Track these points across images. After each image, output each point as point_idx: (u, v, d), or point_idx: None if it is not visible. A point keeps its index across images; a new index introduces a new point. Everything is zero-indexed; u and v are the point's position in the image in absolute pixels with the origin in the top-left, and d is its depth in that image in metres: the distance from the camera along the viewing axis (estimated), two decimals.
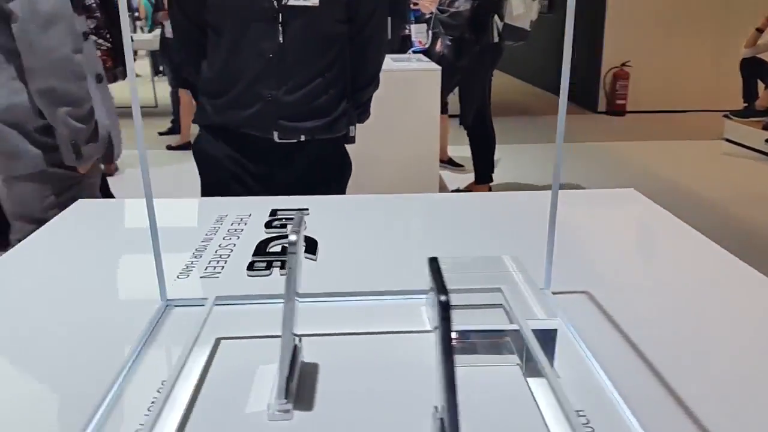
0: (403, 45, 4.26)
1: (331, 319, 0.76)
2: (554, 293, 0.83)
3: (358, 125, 1.71)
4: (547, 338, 0.65)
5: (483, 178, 3.97)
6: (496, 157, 4.89)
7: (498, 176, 4.43)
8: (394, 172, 3.65)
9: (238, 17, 1.42)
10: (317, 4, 1.42)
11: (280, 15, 1.41)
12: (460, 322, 0.67)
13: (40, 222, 1.23)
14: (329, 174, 1.60)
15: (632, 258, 0.98)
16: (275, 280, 0.90)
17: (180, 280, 0.90)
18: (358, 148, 3.59)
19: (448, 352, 0.44)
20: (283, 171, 1.54)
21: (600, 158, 5.15)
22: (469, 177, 4.43)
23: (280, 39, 1.42)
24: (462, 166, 4.71)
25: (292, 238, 0.54)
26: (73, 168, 1.67)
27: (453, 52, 3.56)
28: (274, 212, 1.14)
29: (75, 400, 0.62)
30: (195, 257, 0.97)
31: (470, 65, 3.48)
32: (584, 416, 0.60)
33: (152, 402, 0.62)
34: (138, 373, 0.66)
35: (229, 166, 1.54)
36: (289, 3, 1.40)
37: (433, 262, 0.49)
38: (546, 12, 7.66)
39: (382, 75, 3.45)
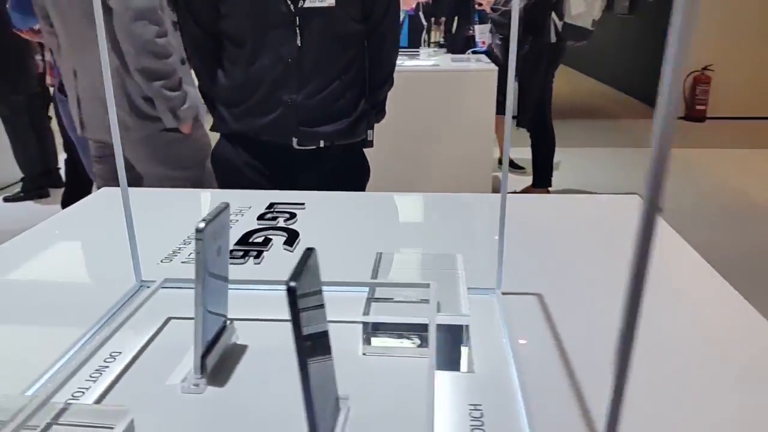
0: (467, 45, 4.26)
1: (272, 305, 0.81)
2: (504, 294, 0.85)
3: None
4: (458, 333, 0.68)
5: (541, 181, 3.92)
6: (560, 159, 4.80)
7: (560, 180, 4.36)
8: (448, 173, 3.67)
9: (256, 24, 1.45)
10: (333, 5, 1.44)
11: (297, 18, 1.44)
12: (382, 313, 0.71)
13: (171, 178, 1.97)
14: (348, 180, 1.61)
15: (603, 265, 0.97)
16: (248, 267, 0.95)
17: (163, 264, 0.97)
18: (412, 147, 3.64)
19: (297, 338, 0.48)
20: (302, 179, 1.56)
21: (674, 166, 4.95)
22: (530, 180, 4.39)
23: (299, 42, 1.45)
24: (523, 168, 4.66)
25: (200, 225, 0.59)
26: (176, 129, 1.98)
27: (502, 52, 3.53)
28: (271, 205, 1.20)
29: (34, 359, 0.69)
30: (185, 244, 1.04)
31: (523, 65, 3.44)
32: (480, 410, 0.62)
33: (96, 369, 0.69)
34: (94, 343, 0.73)
35: (247, 174, 1.58)
36: (305, 5, 1.43)
37: (307, 252, 0.52)
38: (627, 13, 7.43)
39: (437, 74, 3.47)
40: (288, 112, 1.49)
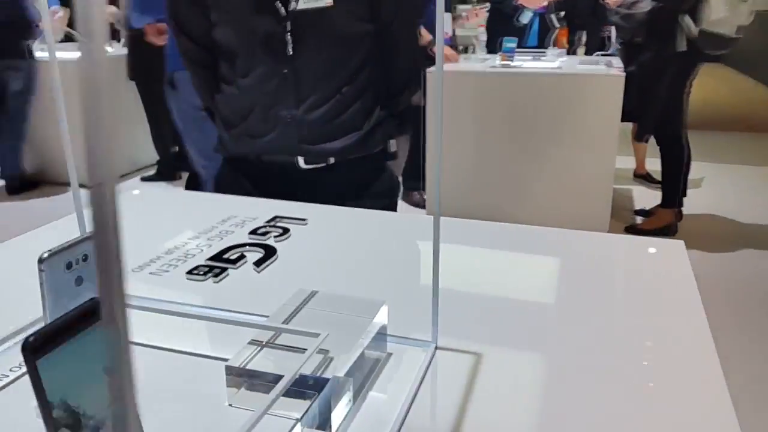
0: (602, 46, 3.99)
1: (189, 333, 0.78)
2: (440, 348, 0.76)
3: None
4: (340, 390, 0.61)
5: (669, 201, 3.56)
6: (705, 175, 4.37)
7: (701, 201, 3.97)
8: (565, 182, 3.46)
9: (245, 32, 1.32)
10: (331, 3, 1.27)
11: (289, 23, 1.29)
12: (262, 358, 0.65)
13: None
14: (370, 199, 1.42)
15: (581, 327, 0.83)
16: (206, 286, 0.94)
17: (133, 273, 0.98)
18: (528, 151, 3.47)
19: (39, 404, 0.44)
20: (314, 201, 1.34)
21: None
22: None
23: (292, 50, 1.30)
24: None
25: (43, 255, 0.58)
26: None
27: (622, 58, 3.23)
28: (273, 218, 1.18)
29: None
30: (167, 253, 1.05)
31: (643, 74, 3.12)
32: None
33: None
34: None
35: None
36: (299, 7, 1.27)
37: (86, 303, 0.49)
38: None
39: (558, 78, 3.27)
40: (288, 130, 1.34)
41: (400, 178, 2.26)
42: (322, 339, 0.66)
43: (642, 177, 4.45)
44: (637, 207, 3.99)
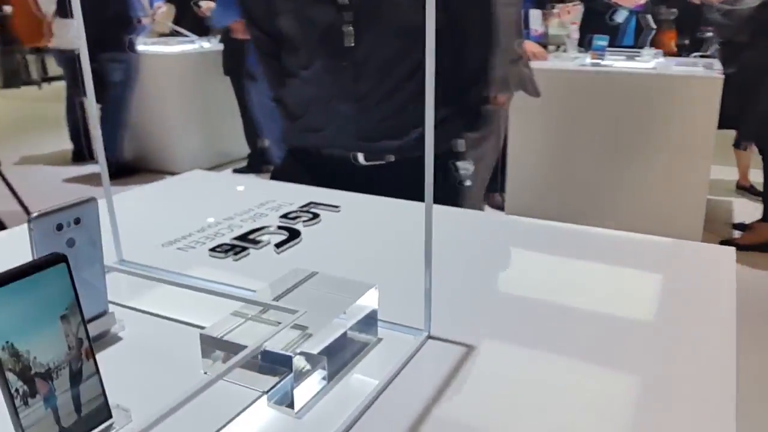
0: (699, 47, 3.76)
1: (194, 304, 0.80)
2: (433, 338, 0.74)
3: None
4: (286, 366, 0.61)
5: None
6: None
7: None
8: (655, 189, 3.29)
9: (307, 22, 1.30)
10: None
11: (352, 13, 1.24)
12: (240, 330, 0.66)
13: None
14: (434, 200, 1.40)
15: (589, 329, 0.79)
16: (225, 263, 0.96)
17: (163, 247, 1.02)
18: (615, 153, 3.33)
19: None
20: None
21: None
22: None
23: (353, 42, 1.26)
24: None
25: (33, 215, 0.61)
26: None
27: (721, 58, 3.00)
28: (308, 204, 1.19)
29: None
30: (199, 231, 1.09)
31: (745, 74, 2.89)
32: None
33: None
34: None
35: None
36: None
37: (48, 258, 0.51)
38: None
39: (650, 78, 3.11)
40: (346, 125, 1.31)
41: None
42: (298, 316, 0.66)
43: (745, 189, 4.16)
44: (737, 221, 3.73)
